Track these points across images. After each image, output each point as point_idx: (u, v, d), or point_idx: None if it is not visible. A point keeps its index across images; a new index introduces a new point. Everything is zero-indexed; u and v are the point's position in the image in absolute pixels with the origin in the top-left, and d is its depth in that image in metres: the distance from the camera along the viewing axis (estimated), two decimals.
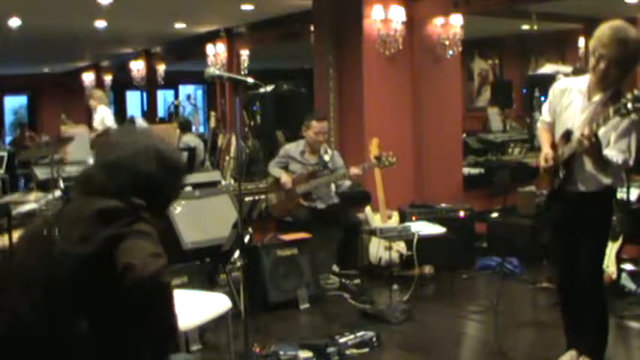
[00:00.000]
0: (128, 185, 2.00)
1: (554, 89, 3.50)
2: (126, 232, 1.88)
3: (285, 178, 5.69)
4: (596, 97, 3.29)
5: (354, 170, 5.52)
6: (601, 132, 3.17)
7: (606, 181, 3.33)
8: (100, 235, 1.87)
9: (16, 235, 4.58)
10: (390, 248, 5.32)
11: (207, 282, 4.48)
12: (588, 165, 3.32)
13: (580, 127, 3.28)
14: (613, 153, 3.21)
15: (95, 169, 2.08)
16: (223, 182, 6.39)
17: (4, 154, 10.35)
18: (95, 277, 1.87)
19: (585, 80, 3.35)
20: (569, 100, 3.40)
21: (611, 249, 4.69)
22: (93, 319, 1.89)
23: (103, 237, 1.87)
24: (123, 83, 14.96)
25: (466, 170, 7.88)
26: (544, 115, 3.60)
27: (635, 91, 2.95)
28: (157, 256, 1.85)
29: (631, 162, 3.25)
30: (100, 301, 1.88)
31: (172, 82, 15.53)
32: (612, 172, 3.29)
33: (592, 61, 3.22)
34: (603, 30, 3.18)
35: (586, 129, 3.13)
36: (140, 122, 10.07)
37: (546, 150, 3.47)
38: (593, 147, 3.14)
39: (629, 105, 2.94)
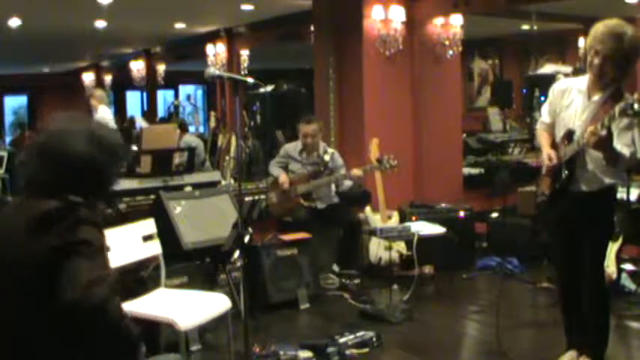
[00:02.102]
0: (62, 174, 1.91)
1: (554, 89, 3.50)
2: (67, 246, 1.80)
3: (284, 178, 5.71)
4: (596, 97, 3.29)
5: (356, 172, 5.53)
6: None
7: (608, 180, 3.33)
8: (41, 245, 1.80)
9: None
10: (390, 248, 5.32)
11: (207, 282, 4.48)
12: (591, 165, 3.32)
13: (581, 127, 3.28)
14: (619, 147, 3.18)
15: (28, 164, 1.99)
16: (223, 182, 6.39)
17: (4, 154, 10.34)
18: (38, 291, 1.81)
19: (585, 80, 3.35)
20: (569, 100, 3.40)
21: (611, 249, 4.69)
22: (36, 334, 1.84)
23: (46, 248, 1.80)
24: (123, 83, 14.97)
25: (466, 170, 7.88)
26: (543, 117, 3.59)
27: None
28: (99, 281, 1.78)
29: (638, 155, 3.23)
30: (43, 315, 1.83)
31: (172, 82, 15.53)
32: (622, 165, 3.27)
33: (589, 58, 3.23)
34: (598, 27, 3.19)
35: (591, 127, 3.10)
36: (140, 122, 10.08)
37: (548, 150, 3.46)
38: (605, 140, 3.09)
39: (636, 106, 2.92)
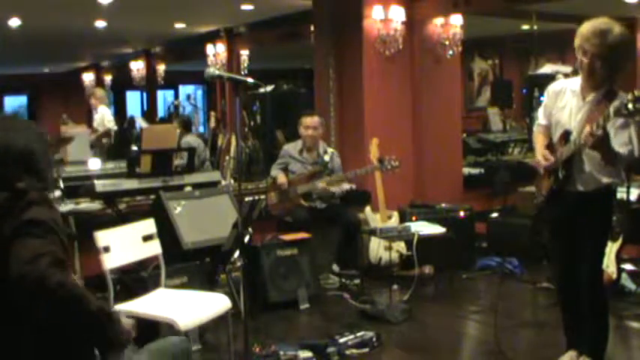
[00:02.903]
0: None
1: (549, 91, 3.54)
2: (16, 229, 1.84)
3: (282, 179, 5.71)
4: (590, 97, 3.31)
5: (320, 185, 5.54)
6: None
7: (606, 180, 3.34)
8: None
9: None
10: (390, 248, 5.32)
11: (207, 282, 4.48)
12: (588, 165, 3.34)
13: (577, 128, 3.30)
14: (617, 146, 3.20)
15: None
16: (223, 182, 6.39)
17: None
18: None
19: (578, 80, 3.38)
20: (564, 102, 3.43)
21: (611, 249, 4.70)
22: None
23: (1, 239, 1.83)
24: (123, 83, 14.97)
25: (466, 170, 7.88)
26: (540, 119, 3.63)
27: (636, 92, 2.93)
28: (37, 258, 1.79)
29: (636, 153, 3.25)
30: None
31: (172, 82, 15.53)
32: (620, 163, 3.28)
33: (578, 58, 3.26)
34: (585, 26, 3.23)
35: (587, 127, 3.12)
36: (140, 122, 10.08)
37: (542, 150, 3.48)
38: (602, 140, 3.11)
39: (630, 105, 2.92)
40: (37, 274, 1.77)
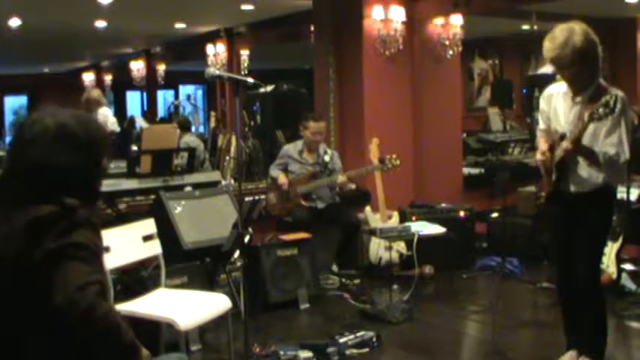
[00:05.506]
0: (47, 185, 1.88)
1: (544, 96, 3.60)
2: (61, 249, 1.78)
3: (283, 179, 5.71)
4: (579, 98, 3.37)
5: (341, 178, 5.55)
6: (590, 130, 3.24)
7: (601, 180, 3.36)
8: (38, 249, 1.78)
9: None
10: (390, 248, 5.32)
11: (207, 282, 4.48)
12: (580, 166, 3.38)
13: (569, 129, 3.35)
14: (605, 149, 3.27)
15: (6, 177, 1.94)
16: (223, 182, 6.39)
17: (4, 154, 10.34)
18: (35, 293, 1.80)
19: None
20: (557, 105, 3.48)
21: (611, 249, 4.70)
22: (31, 335, 1.83)
23: (42, 252, 1.77)
24: (123, 83, 14.98)
25: (466, 170, 7.88)
26: (540, 124, 3.69)
27: (607, 97, 3.06)
28: (88, 285, 1.76)
29: (626, 154, 3.30)
30: (39, 317, 1.82)
31: (172, 82, 15.53)
32: (607, 167, 3.31)
33: (557, 74, 3.32)
34: (547, 42, 3.26)
35: (563, 143, 3.26)
36: (140, 122, 10.07)
37: (542, 147, 3.53)
38: (579, 153, 3.28)
39: (600, 110, 3.06)
40: (87, 303, 1.74)
